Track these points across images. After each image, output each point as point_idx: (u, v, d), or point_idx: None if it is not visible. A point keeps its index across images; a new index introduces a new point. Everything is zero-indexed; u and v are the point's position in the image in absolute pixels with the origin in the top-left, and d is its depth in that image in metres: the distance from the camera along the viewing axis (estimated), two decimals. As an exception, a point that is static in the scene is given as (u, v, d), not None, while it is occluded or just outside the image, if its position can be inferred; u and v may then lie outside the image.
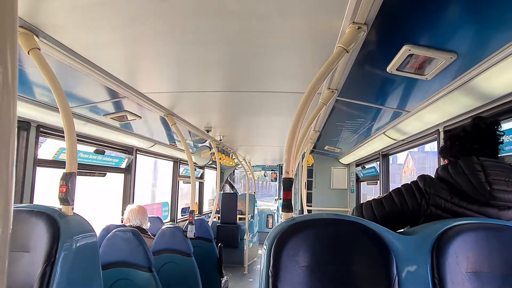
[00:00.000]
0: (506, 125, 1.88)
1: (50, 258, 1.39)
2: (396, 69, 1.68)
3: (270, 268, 1.24)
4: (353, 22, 1.35)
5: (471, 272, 1.16)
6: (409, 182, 1.47)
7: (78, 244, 1.50)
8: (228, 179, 9.88)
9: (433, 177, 1.44)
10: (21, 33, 1.48)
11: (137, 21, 1.49)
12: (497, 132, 1.44)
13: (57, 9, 1.38)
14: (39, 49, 1.54)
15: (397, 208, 1.42)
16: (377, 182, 4.59)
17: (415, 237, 1.27)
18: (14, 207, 1.51)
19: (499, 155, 1.45)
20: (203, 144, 5.08)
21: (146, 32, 1.59)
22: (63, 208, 1.55)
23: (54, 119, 2.65)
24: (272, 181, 12.20)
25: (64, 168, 1.59)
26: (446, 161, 1.52)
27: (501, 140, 1.44)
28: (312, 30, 1.53)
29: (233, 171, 10.13)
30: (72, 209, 1.57)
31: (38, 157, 2.76)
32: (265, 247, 1.30)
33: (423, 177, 1.43)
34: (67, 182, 1.54)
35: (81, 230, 1.57)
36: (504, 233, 1.21)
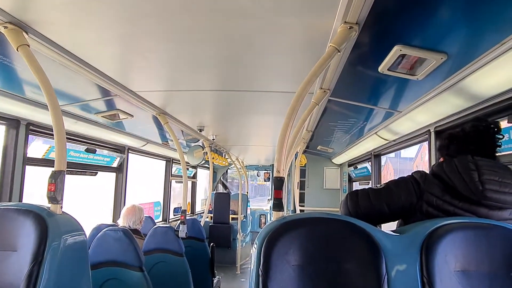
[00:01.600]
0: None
1: (38, 257, 1.37)
2: (388, 69, 1.69)
3: (261, 267, 1.23)
4: (345, 22, 1.35)
5: (459, 270, 1.17)
6: (407, 176, 1.47)
7: (66, 243, 1.48)
8: (221, 178, 9.86)
9: (428, 173, 1.45)
10: (10, 29, 1.46)
11: (129, 19, 1.47)
12: (496, 135, 1.44)
13: (47, 6, 1.36)
14: (28, 45, 1.52)
15: (395, 200, 1.41)
16: (369, 182, 4.61)
17: (404, 235, 1.27)
18: (2, 206, 1.49)
19: (496, 155, 1.46)
20: (196, 143, 5.06)
21: (138, 30, 1.57)
22: (51, 207, 1.52)
23: (45, 117, 2.63)
24: (265, 180, 12.20)
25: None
26: (442, 159, 1.53)
27: (499, 143, 1.44)
28: (304, 30, 1.53)
29: (226, 171, 10.11)
30: (61, 207, 1.55)
31: (28, 155, 2.73)
32: (255, 246, 1.29)
33: (418, 172, 1.44)
34: (56, 180, 1.52)
35: (70, 229, 1.54)
36: (492, 232, 1.22)
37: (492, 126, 1.45)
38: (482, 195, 1.28)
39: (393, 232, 1.32)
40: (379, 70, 1.71)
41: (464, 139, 1.46)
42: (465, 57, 1.51)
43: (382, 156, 4.24)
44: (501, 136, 1.45)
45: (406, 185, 1.42)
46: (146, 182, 6.10)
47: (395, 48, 1.48)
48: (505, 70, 1.46)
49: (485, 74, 1.54)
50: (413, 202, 1.39)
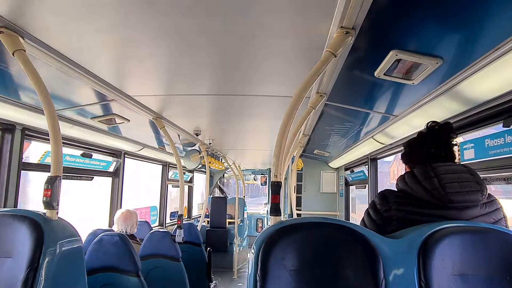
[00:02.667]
0: (490, 130, 1.92)
1: (33, 263, 1.36)
2: (384, 74, 1.70)
3: (258, 272, 1.23)
4: (341, 27, 1.36)
5: (457, 275, 1.17)
6: (368, 206, 1.52)
7: (62, 249, 1.47)
8: (218, 183, 9.85)
9: (391, 191, 1.49)
10: (6, 34, 1.46)
11: (126, 24, 1.47)
12: (450, 134, 1.50)
13: (43, 11, 1.36)
14: (24, 50, 1.51)
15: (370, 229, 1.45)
16: (365, 186, 4.62)
17: (402, 240, 1.28)
18: None
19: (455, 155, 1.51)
20: (193, 147, 5.05)
21: (135, 34, 1.57)
22: (47, 213, 1.51)
23: (40, 121, 2.61)
24: (261, 184, 12.19)
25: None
26: (407, 167, 1.58)
27: (455, 142, 1.50)
28: (301, 34, 1.54)
29: (223, 175, 10.09)
30: (57, 213, 1.54)
31: (24, 160, 2.71)
32: (253, 251, 1.29)
33: (380, 196, 1.48)
34: (52, 186, 1.51)
35: (66, 235, 1.53)
36: (489, 236, 1.22)
37: (445, 125, 1.50)
38: (446, 198, 1.32)
39: (391, 237, 1.32)
40: (375, 74, 1.72)
41: (423, 143, 1.51)
42: (460, 62, 1.53)
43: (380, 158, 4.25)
44: (454, 135, 1.51)
45: (367, 218, 1.50)
46: (142, 187, 6.09)
47: (391, 53, 1.49)
48: (500, 75, 1.48)
49: (480, 79, 1.55)
50: (379, 225, 1.42)
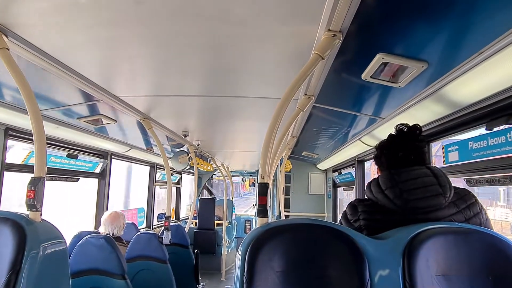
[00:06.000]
0: (473, 133, 1.96)
1: (15, 266, 1.33)
2: (371, 77, 1.72)
3: (245, 273, 1.23)
4: (329, 30, 1.37)
5: (440, 275, 1.19)
6: (341, 216, 1.54)
7: (46, 252, 1.44)
8: (206, 184, 9.81)
9: (360, 200, 1.51)
10: None
11: (112, 23, 1.46)
12: (421, 134, 1.49)
13: (28, 9, 1.33)
14: (7, 49, 1.48)
15: None
16: (353, 187, 4.66)
17: (387, 241, 1.29)
18: None
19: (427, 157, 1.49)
20: (181, 149, 5.02)
21: (122, 34, 1.56)
22: (30, 214, 1.48)
23: (24, 121, 2.56)
24: (250, 186, 12.19)
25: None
26: (378, 171, 1.58)
27: (424, 145, 1.49)
28: (289, 37, 1.54)
29: (211, 177, 10.06)
30: (40, 215, 1.51)
31: (7, 161, 2.66)
32: (239, 252, 1.29)
33: (350, 206, 1.49)
34: (35, 187, 1.48)
35: (49, 237, 1.51)
36: (471, 237, 1.24)
37: (413, 128, 1.50)
38: (408, 206, 1.34)
39: (376, 238, 1.33)
40: (362, 77, 1.74)
41: (393, 146, 1.51)
42: (445, 66, 1.55)
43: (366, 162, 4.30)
44: (423, 138, 1.50)
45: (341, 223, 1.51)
46: (129, 188, 6.02)
47: (378, 56, 1.51)
48: (483, 78, 1.51)
49: (464, 82, 1.58)
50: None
